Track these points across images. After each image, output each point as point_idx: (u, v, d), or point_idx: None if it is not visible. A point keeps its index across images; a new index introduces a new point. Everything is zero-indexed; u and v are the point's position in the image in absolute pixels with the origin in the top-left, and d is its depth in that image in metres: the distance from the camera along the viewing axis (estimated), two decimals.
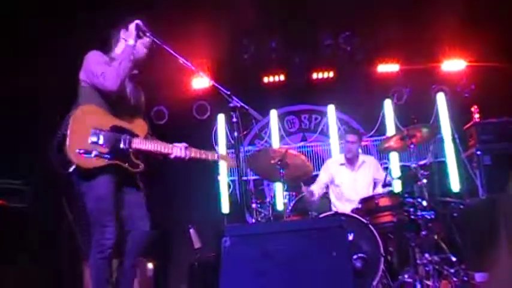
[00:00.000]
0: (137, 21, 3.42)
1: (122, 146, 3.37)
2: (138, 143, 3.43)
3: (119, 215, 3.39)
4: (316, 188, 5.62)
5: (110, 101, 3.38)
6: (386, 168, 7.23)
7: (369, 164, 5.71)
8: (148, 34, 3.44)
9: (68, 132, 3.21)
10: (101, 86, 3.31)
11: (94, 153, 3.24)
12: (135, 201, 3.50)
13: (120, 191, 3.43)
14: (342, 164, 5.73)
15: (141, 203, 3.52)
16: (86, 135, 3.25)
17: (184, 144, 3.55)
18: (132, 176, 3.48)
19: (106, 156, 3.28)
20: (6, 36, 5.76)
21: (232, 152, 7.47)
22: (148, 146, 3.46)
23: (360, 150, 5.83)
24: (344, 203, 5.51)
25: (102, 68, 3.31)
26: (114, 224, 3.29)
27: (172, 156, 3.52)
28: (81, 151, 3.21)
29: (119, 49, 3.51)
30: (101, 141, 3.29)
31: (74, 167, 3.22)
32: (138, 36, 3.43)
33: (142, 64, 3.60)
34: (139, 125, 3.51)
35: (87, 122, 3.29)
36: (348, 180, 5.62)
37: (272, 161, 5.05)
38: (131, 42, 3.39)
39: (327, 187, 5.76)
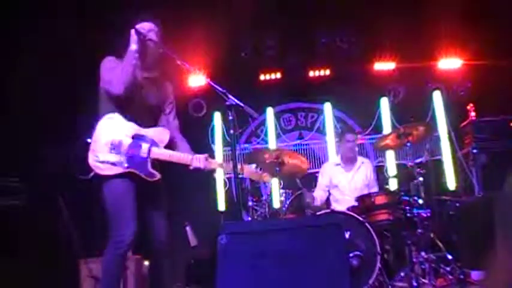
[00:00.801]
0: (133, 28, 3.41)
1: (142, 154, 3.39)
2: (158, 153, 3.44)
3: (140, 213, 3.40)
4: (318, 194, 5.61)
5: (122, 104, 3.40)
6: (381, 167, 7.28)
7: (366, 167, 5.68)
8: (146, 37, 3.43)
9: (92, 140, 3.32)
10: (108, 91, 3.37)
11: (112, 161, 3.31)
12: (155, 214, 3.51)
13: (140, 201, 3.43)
14: (337, 165, 5.72)
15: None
16: (107, 144, 3.34)
17: (205, 155, 3.50)
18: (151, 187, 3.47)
19: (124, 164, 3.33)
20: (6, 36, 5.75)
21: (228, 150, 7.47)
22: (168, 156, 3.46)
23: (356, 148, 5.81)
24: (343, 204, 5.44)
25: (110, 75, 3.37)
26: (133, 221, 3.29)
27: (191, 167, 3.48)
28: (100, 160, 3.30)
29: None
30: (121, 150, 3.35)
31: (92, 173, 3.32)
32: (140, 40, 3.43)
33: (158, 64, 3.60)
34: (161, 133, 3.51)
35: (110, 131, 3.37)
36: (345, 179, 5.61)
37: (268, 159, 5.05)
38: (133, 47, 3.41)
39: (329, 191, 5.72)
